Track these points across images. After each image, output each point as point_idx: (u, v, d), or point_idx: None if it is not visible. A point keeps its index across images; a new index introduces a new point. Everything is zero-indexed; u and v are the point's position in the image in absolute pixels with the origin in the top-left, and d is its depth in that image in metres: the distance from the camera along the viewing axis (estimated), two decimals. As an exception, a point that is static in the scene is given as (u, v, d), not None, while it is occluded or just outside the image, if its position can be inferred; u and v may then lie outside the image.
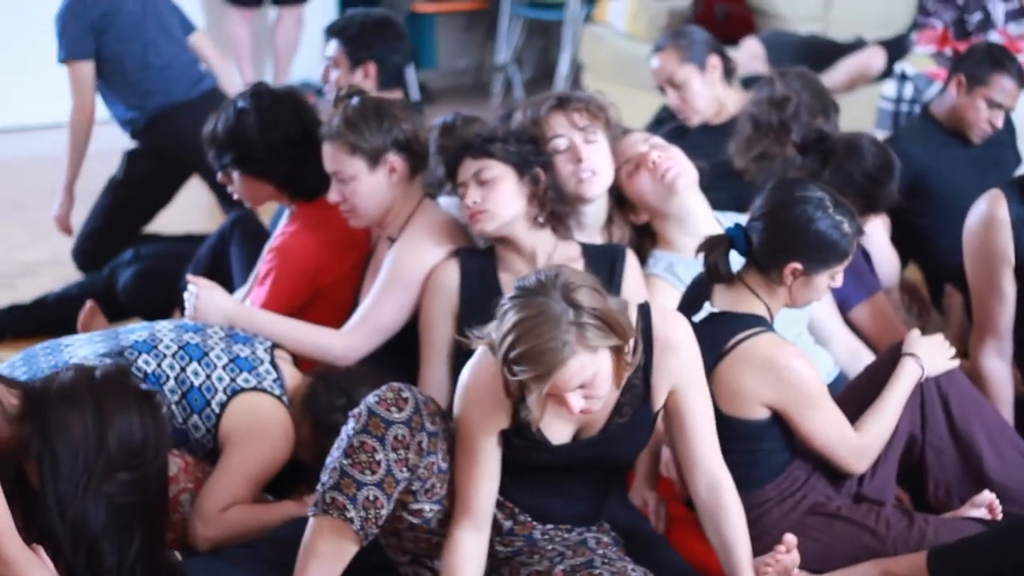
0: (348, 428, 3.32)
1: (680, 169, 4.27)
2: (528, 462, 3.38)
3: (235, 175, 4.51)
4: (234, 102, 4.51)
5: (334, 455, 3.31)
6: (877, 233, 4.91)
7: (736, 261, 3.69)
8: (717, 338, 3.60)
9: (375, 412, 3.29)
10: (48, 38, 6.18)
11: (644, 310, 3.39)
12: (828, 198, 3.63)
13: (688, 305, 3.73)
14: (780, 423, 3.63)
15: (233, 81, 6.50)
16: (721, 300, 3.67)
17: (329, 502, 3.26)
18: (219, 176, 4.57)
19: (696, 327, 3.56)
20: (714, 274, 3.67)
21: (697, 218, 4.30)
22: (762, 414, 3.61)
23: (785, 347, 3.61)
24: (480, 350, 3.32)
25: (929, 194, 5.27)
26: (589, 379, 3.14)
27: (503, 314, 3.15)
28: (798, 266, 3.60)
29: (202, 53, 6.42)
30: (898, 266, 5.11)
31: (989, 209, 4.14)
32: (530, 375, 3.11)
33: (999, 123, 5.30)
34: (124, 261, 5.76)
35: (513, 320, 3.11)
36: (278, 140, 4.42)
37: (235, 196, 4.61)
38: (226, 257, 5.01)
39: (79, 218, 6.30)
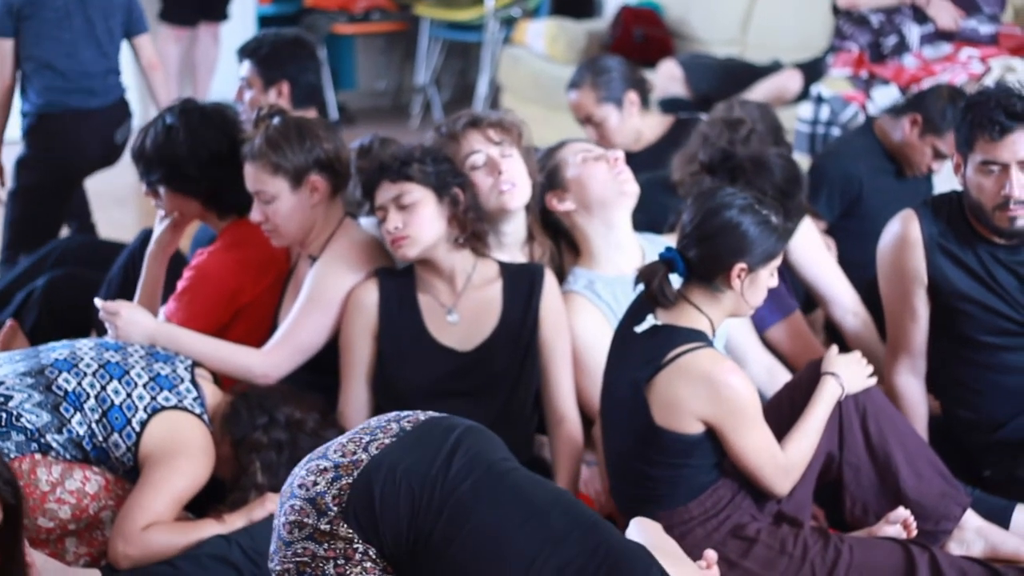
0: None
1: (632, 182, 4.35)
2: None
3: (162, 191, 4.48)
4: (162, 117, 4.48)
5: None
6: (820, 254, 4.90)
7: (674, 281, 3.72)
8: (657, 350, 3.63)
9: None
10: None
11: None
12: (750, 196, 3.70)
13: (631, 317, 3.77)
14: (712, 440, 3.66)
15: (161, 89, 6.41)
16: (664, 315, 3.70)
17: None
18: (144, 191, 4.54)
19: (638, 338, 3.60)
20: (661, 299, 3.68)
21: (621, 234, 4.36)
22: (696, 429, 3.63)
23: (724, 363, 3.64)
24: None
25: (856, 214, 5.35)
26: None
27: None
28: (743, 266, 3.64)
29: (139, 57, 6.37)
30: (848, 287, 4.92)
31: (902, 229, 4.20)
32: None
33: (936, 168, 5.39)
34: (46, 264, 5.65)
35: None
36: (206, 157, 4.39)
37: (160, 213, 4.57)
38: (137, 276, 4.96)
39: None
